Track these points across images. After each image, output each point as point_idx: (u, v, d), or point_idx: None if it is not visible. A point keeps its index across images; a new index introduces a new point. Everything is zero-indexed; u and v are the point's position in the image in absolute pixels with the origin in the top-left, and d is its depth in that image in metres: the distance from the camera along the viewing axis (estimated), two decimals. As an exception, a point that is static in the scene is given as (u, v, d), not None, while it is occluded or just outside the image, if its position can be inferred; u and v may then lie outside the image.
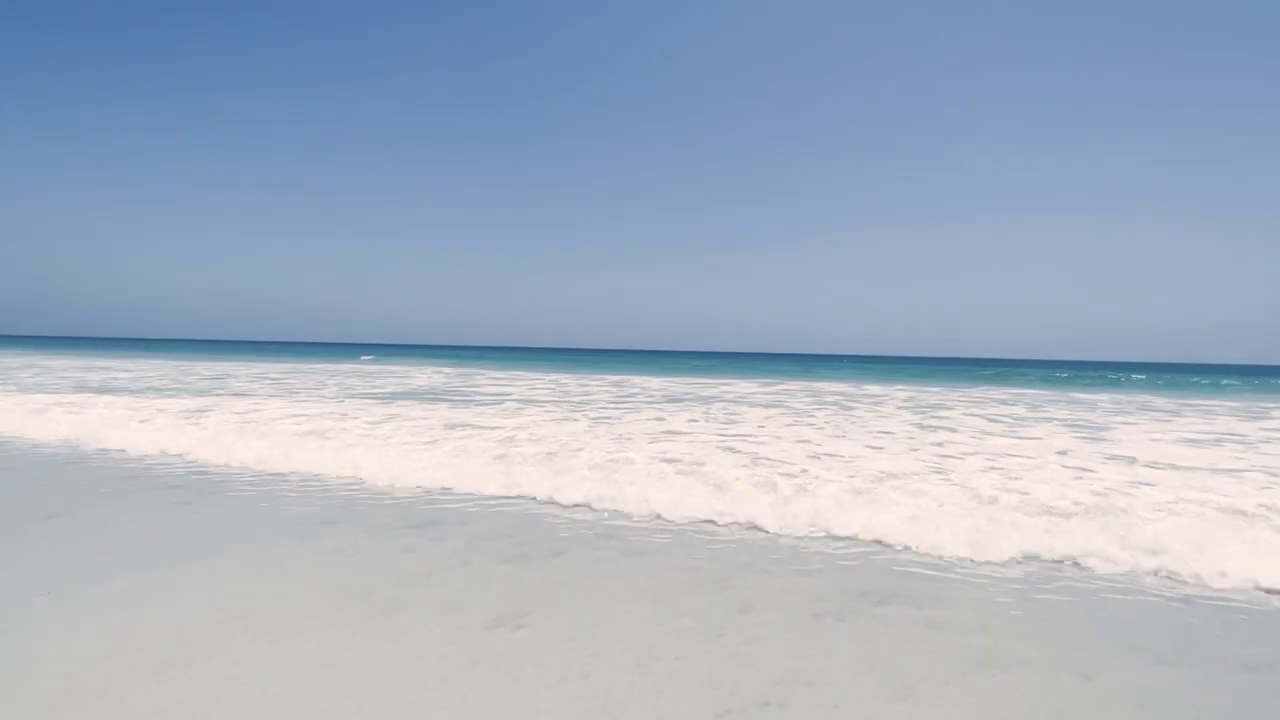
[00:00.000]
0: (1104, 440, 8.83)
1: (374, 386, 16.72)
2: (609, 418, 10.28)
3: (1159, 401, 16.54)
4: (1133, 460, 7.16)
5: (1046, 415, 12.29)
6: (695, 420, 10.14)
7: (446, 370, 28.19)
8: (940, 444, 8.19)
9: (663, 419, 10.22)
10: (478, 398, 13.67)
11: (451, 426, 8.80)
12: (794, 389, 20.02)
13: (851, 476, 5.82)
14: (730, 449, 7.40)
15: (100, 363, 26.42)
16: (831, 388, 20.83)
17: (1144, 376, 35.83)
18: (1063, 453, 7.69)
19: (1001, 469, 6.40)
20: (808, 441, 8.05)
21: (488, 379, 22.18)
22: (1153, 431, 9.87)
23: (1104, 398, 17.79)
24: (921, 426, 9.94)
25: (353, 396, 13.34)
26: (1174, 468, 6.76)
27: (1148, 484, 5.83)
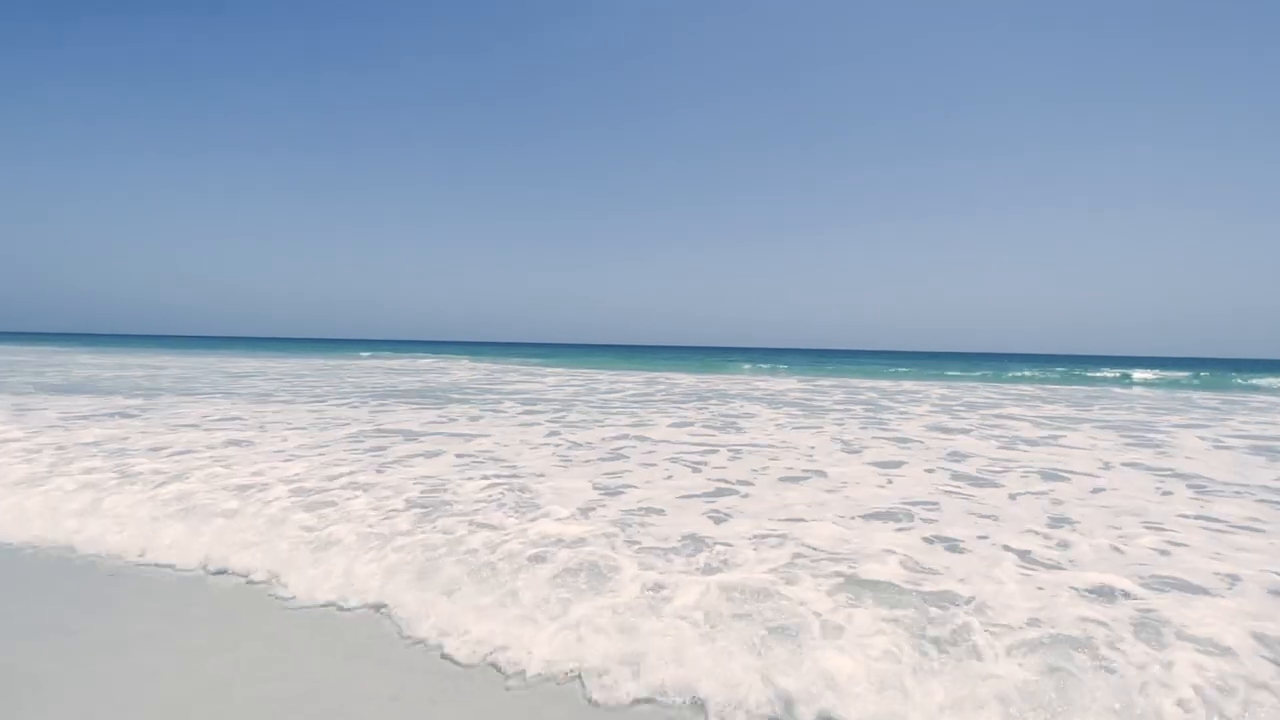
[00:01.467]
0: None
1: (392, 384, 16.67)
2: (595, 421, 9.66)
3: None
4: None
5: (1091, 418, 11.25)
6: (691, 425, 9.43)
7: (486, 366, 28.99)
8: (958, 454, 7.04)
9: (652, 423, 9.58)
10: (479, 398, 13.18)
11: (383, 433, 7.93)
12: (828, 385, 19.63)
13: (839, 525, 4.24)
14: (695, 467, 6.21)
15: (143, 360, 26.84)
16: (868, 384, 20.29)
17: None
18: (1105, 465, 6.76)
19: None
20: (813, 453, 7.14)
21: (520, 375, 22.28)
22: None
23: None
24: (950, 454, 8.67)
25: (345, 396, 12.95)
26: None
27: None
